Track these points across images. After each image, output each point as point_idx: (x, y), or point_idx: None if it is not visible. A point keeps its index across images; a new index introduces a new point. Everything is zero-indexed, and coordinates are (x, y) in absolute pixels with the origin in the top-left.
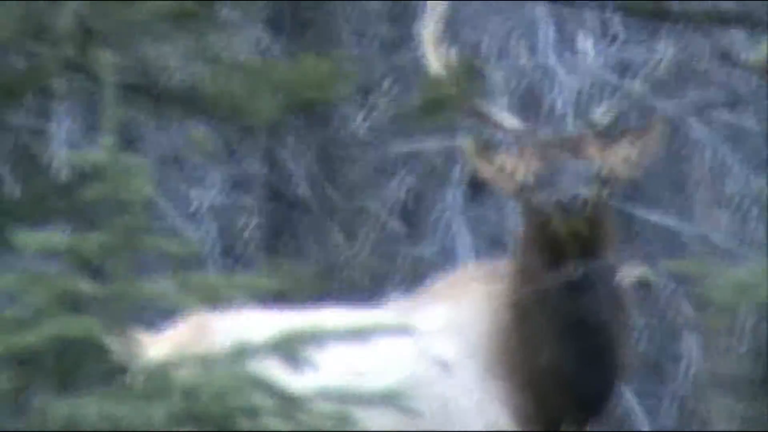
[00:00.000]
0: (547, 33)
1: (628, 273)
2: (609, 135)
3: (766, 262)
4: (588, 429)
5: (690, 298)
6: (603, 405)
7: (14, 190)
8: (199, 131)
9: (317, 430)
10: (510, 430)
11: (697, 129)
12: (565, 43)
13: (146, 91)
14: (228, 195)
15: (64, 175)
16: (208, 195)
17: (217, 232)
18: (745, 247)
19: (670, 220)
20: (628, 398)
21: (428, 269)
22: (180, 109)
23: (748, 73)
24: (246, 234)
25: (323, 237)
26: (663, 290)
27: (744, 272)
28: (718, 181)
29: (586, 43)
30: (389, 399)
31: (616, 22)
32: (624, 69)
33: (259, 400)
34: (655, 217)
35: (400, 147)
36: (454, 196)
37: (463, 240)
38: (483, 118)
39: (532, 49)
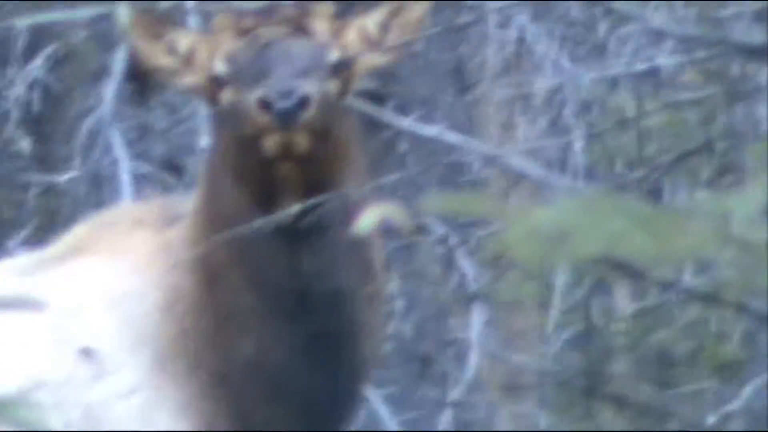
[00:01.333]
0: None
1: (379, 215)
2: (350, 6)
3: (590, 193)
4: None
5: (475, 255)
6: (337, 419)
7: None
8: None
9: None
10: None
11: None
12: None
13: None
14: None
15: None
16: None
17: None
18: (557, 173)
19: (446, 133)
20: (379, 409)
21: (68, 205)
22: None
23: None
24: None
25: None
26: (434, 244)
27: (556, 212)
28: (516, 69)
29: None
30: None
31: None
32: None
33: None
34: (421, 126)
35: (23, 19)
36: (107, 95)
37: (120, 161)
38: None
39: None
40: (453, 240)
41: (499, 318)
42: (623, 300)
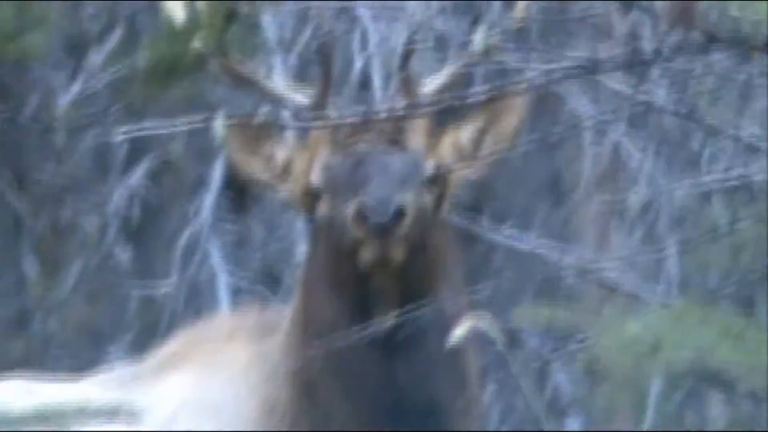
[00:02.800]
0: None
1: (472, 326)
2: (443, 114)
3: (683, 305)
4: None
5: (569, 366)
6: None
7: None
8: None
9: None
10: None
11: (582, 102)
12: None
13: None
14: None
15: None
16: None
17: None
18: (650, 284)
19: (538, 243)
20: None
21: (166, 317)
22: None
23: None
24: None
25: (9, 269)
26: (529, 352)
27: (649, 323)
28: (612, 185)
29: None
30: None
31: None
32: (465, 14)
33: None
34: (514, 237)
35: (125, 133)
36: (205, 207)
37: (218, 273)
38: (250, 88)
39: None
40: (547, 351)
41: (594, 428)
42: (716, 410)
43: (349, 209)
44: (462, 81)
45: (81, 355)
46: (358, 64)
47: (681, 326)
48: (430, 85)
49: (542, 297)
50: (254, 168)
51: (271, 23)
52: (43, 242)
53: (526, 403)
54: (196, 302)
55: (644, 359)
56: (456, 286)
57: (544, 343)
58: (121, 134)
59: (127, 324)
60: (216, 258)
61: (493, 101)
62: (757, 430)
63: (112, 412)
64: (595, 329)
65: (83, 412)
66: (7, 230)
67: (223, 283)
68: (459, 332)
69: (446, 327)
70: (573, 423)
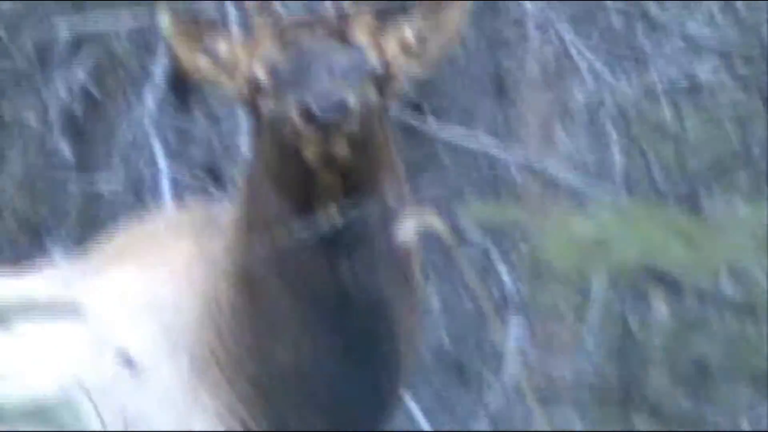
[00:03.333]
0: None
1: (416, 223)
2: (389, 9)
3: (629, 203)
4: None
5: (512, 263)
6: (373, 426)
7: None
8: None
9: None
10: None
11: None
12: None
13: None
14: None
15: None
16: None
17: None
18: (596, 182)
19: (484, 141)
20: (415, 415)
21: (108, 212)
22: None
23: None
24: None
25: None
26: (471, 251)
27: (595, 221)
28: (558, 82)
29: None
30: (41, 413)
31: None
32: None
33: None
34: (459, 135)
35: (68, 27)
36: (147, 100)
37: (161, 168)
38: None
39: None
40: (491, 249)
41: (536, 326)
42: (660, 309)
43: (293, 105)
44: None
45: (22, 248)
46: None
47: (628, 224)
48: None
49: (486, 195)
50: (197, 63)
51: None
52: None
53: (472, 301)
54: (139, 197)
55: (590, 257)
56: (400, 184)
57: (489, 241)
58: (63, 28)
59: (69, 218)
60: (159, 152)
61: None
62: (700, 328)
63: (56, 309)
64: (541, 227)
65: (27, 309)
66: None
67: (165, 177)
68: (407, 228)
69: (391, 224)
70: (516, 322)
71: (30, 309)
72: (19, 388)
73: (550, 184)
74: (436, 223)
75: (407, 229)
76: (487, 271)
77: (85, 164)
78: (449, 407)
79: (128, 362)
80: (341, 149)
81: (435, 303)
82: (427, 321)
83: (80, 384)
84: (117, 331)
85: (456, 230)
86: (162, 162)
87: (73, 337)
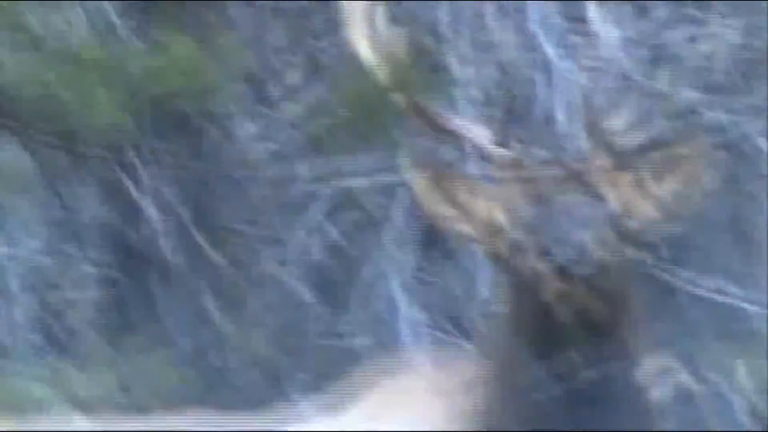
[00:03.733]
0: (541, 7)
1: (662, 373)
2: (633, 162)
3: None
4: None
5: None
6: None
7: None
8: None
9: None
10: None
11: None
12: (570, 21)
13: None
14: (49, 247)
15: None
16: (20, 250)
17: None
18: None
19: (729, 291)
20: None
21: (355, 360)
22: None
23: None
24: (76, 309)
25: (193, 312)
26: (719, 403)
27: None
28: None
29: (600, 20)
30: None
31: None
32: (658, 59)
33: None
34: (705, 286)
35: (312, 175)
36: (394, 251)
37: (400, 306)
38: (441, 132)
39: (519, 31)
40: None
41: None
42: None
43: (545, 256)
44: (644, 120)
45: (260, 392)
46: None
47: None
48: (625, 136)
49: (724, 341)
50: (447, 214)
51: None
52: (223, 277)
53: None
54: (377, 337)
55: None
56: (640, 333)
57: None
58: (305, 170)
59: (308, 362)
60: (398, 292)
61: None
62: None
63: None
64: None
65: None
66: (187, 265)
67: (404, 317)
68: (669, 375)
69: (634, 373)
70: None
71: None
72: None
73: None
74: (685, 375)
75: (656, 379)
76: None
77: (330, 312)
78: None
79: None
80: (586, 299)
81: None
82: None
83: None
84: None
85: (699, 378)
86: (401, 301)
87: None
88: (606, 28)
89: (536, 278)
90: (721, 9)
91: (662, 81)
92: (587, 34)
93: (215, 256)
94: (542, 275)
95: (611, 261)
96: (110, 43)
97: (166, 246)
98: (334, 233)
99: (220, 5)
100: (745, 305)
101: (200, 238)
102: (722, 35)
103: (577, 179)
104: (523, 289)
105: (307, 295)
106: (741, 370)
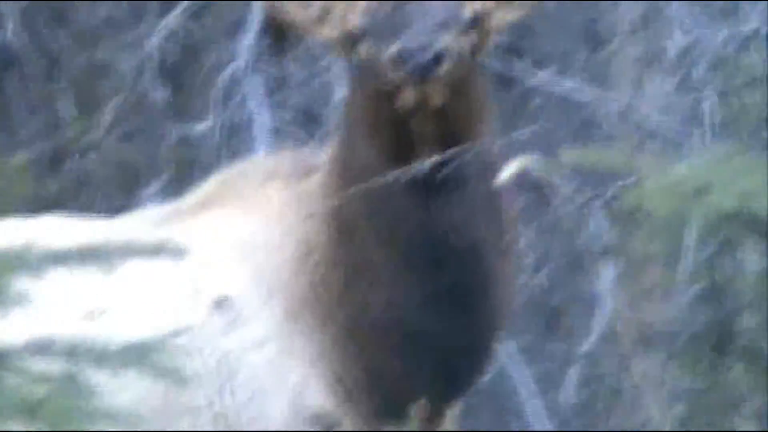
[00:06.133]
0: None
1: (512, 166)
2: None
3: (724, 150)
4: (448, 412)
5: (606, 209)
6: (471, 375)
7: None
8: None
9: (28, 395)
10: (320, 406)
11: None
12: None
13: None
14: None
15: None
16: None
17: None
18: (688, 129)
19: (577, 88)
20: (512, 362)
21: (203, 156)
22: None
23: None
24: None
25: (45, 109)
26: (565, 197)
27: (693, 168)
28: (651, 30)
29: None
30: (139, 355)
31: None
32: None
33: None
34: (553, 82)
35: None
36: (244, 47)
37: (258, 114)
38: None
39: None
40: (586, 194)
41: (629, 272)
42: (753, 257)
43: (389, 52)
44: None
45: (115, 195)
46: None
47: (728, 170)
48: None
49: (580, 142)
50: (293, 9)
51: None
52: (79, 82)
53: (564, 246)
54: (234, 143)
55: (686, 202)
56: (492, 129)
57: (583, 186)
58: None
59: (163, 163)
60: (254, 98)
61: None
62: None
63: (156, 250)
64: (638, 172)
65: (127, 249)
66: (43, 70)
67: (260, 123)
68: (507, 172)
69: (485, 169)
70: (610, 266)
71: (129, 251)
72: (118, 329)
73: (643, 131)
74: (531, 165)
75: (503, 173)
76: (581, 216)
77: (180, 110)
78: (543, 353)
79: (224, 304)
80: (435, 96)
81: (530, 248)
82: (522, 266)
83: (177, 325)
84: (212, 274)
85: (551, 175)
86: (257, 107)
87: (169, 278)
88: None
89: (390, 80)
90: None
91: None
92: None
93: (67, 50)
94: (396, 77)
95: (465, 62)
96: None
97: (21, 50)
98: (191, 38)
99: None
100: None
101: (56, 44)
102: None
103: None
104: (377, 91)
105: (162, 99)
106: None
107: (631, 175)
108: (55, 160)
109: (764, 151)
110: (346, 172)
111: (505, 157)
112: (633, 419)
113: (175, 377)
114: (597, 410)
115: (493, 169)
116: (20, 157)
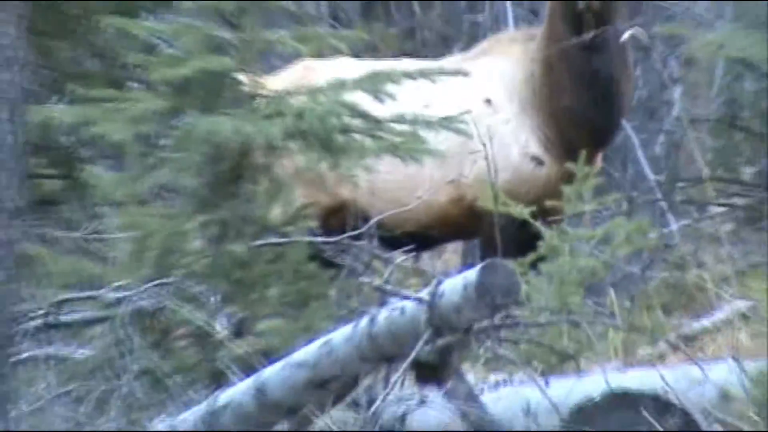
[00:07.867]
0: None
1: (629, 34)
2: None
3: (735, 27)
4: (598, 157)
5: (677, 56)
6: (609, 137)
7: None
8: None
9: (393, 143)
10: (536, 152)
11: None
12: None
13: None
14: None
15: None
16: None
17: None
18: (720, 19)
19: None
20: (628, 132)
21: (483, 33)
22: None
23: None
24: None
25: (404, 5)
26: (656, 50)
27: (719, 35)
28: None
29: None
30: (448, 123)
31: None
32: None
33: (351, 121)
34: None
35: None
36: None
37: (510, 10)
38: None
39: None
40: (662, 47)
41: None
42: None
43: None
44: None
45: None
46: None
47: None
48: None
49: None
50: None
51: None
52: None
53: (658, 74)
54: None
55: None
56: (622, 16)
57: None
58: None
59: (460, 33)
60: None
61: None
62: None
63: (455, 72)
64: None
65: (438, 70)
66: None
67: (510, 17)
68: (626, 34)
69: (618, 37)
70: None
71: (443, 72)
72: (436, 111)
73: (698, 19)
74: (642, 32)
75: (624, 35)
76: (662, 60)
77: (472, 7)
78: (644, 130)
79: (489, 102)
80: (596, 6)
81: (635, 78)
82: (635, 85)
83: (464, 110)
84: (485, 85)
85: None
86: (510, 7)
87: (463, 88)
88: None
89: None
90: None
91: None
92: None
93: None
94: None
95: None
96: None
97: None
98: None
99: None
100: None
101: None
102: None
103: None
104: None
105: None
106: None
107: (690, 39)
108: (408, 36)
109: None
110: (549, 39)
111: (625, 30)
112: None
113: (464, 135)
114: None
115: (620, 36)
116: None
